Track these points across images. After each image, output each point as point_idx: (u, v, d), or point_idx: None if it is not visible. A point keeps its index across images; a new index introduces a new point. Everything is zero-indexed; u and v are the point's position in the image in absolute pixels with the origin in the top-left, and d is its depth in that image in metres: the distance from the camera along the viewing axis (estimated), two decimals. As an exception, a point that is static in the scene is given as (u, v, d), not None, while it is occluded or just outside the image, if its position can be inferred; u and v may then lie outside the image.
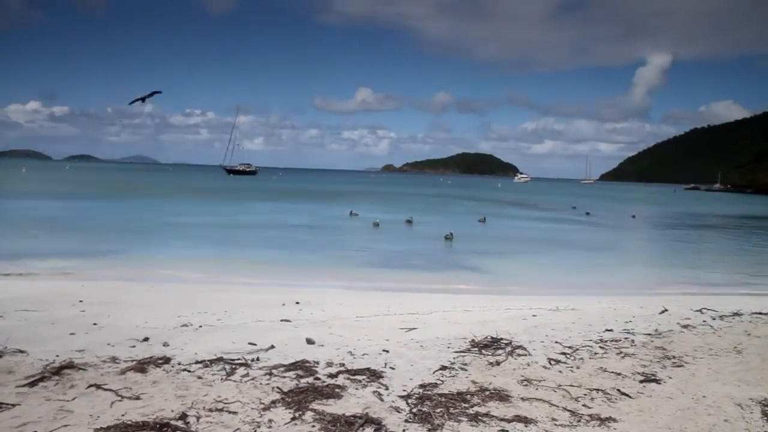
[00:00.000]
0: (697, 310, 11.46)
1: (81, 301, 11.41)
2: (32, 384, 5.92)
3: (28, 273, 16.37)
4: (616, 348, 8.23)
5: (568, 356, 7.70)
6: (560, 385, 6.40)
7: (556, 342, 8.51)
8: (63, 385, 5.92)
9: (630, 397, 6.13)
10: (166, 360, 6.96)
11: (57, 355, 7.02)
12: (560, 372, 6.97)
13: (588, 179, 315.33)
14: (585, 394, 6.15)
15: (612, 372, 6.98)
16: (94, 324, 9.26)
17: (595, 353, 7.90)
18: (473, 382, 6.44)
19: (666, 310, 11.45)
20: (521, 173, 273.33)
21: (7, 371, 6.33)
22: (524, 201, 79.13)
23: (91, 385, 5.92)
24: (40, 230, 27.89)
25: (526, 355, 7.70)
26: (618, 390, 6.30)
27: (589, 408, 5.77)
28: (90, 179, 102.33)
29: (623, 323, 10.14)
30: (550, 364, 7.31)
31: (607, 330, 9.50)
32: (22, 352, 7.17)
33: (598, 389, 6.31)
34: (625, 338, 8.90)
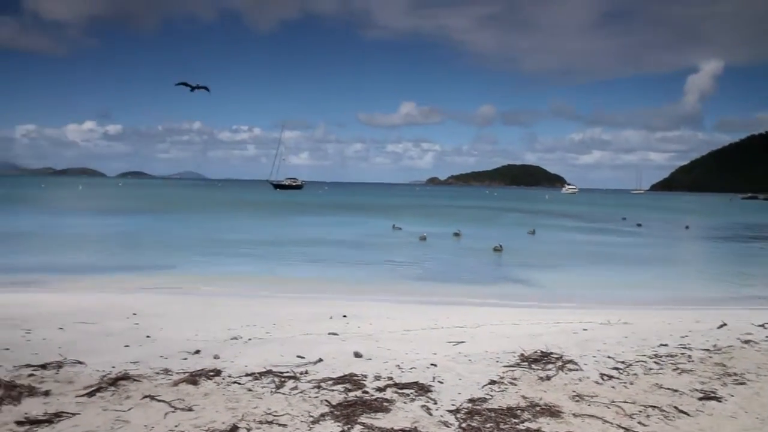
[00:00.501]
0: (760, 325, 11.01)
1: (134, 314, 11.73)
2: (90, 394, 6.10)
3: (85, 287, 16.94)
4: (672, 364, 7.96)
5: (621, 371, 7.49)
6: (614, 402, 6.23)
7: (609, 357, 8.30)
8: (119, 396, 6.09)
9: (689, 415, 5.91)
10: (217, 372, 7.08)
11: (113, 367, 7.23)
12: (613, 388, 6.78)
13: (638, 189, 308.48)
14: (640, 411, 5.96)
15: (668, 389, 6.76)
16: (147, 336, 9.51)
17: (650, 369, 7.66)
18: (523, 397, 6.33)
19: (725, 324, 11.04)
20: (569, 184, 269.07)
21: (68, 381, 6.55)
22: (573, 212, 77.77)
23: (145, 396, 6.07)
24: (95, 245, 28.87)
25: (577, 370, 7.53)
26: (675, 407, 6.09)
27: (645, 426, 5.60)
28: (142, 195, 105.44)
29: (679, 338, 9.81)
30: (603, 379, 7.12)
31: (662, 345, 9.21)
32: (80, 363, 7.42)
33: (654, 406, 6.11)
34: (682, 353, 8.60)
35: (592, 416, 5.80)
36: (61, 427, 5.23)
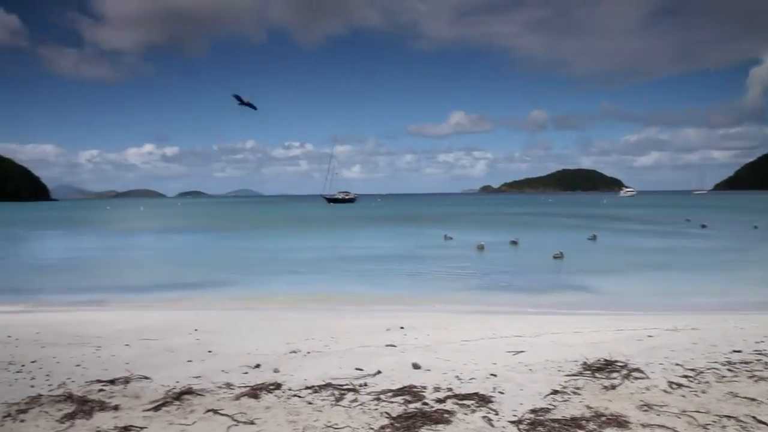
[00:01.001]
0: (839, 328, 10.41)
1: (196, 330, 12.00)
2: (156, 408, 6.26)
3: (148, 305, 17.51)
4: (747, 371, 7.58)
5: (692, 380, 7.18)
6: (684, 411, 5.98)
7: (677, 364, 7.98)
8: (183, 410, 6.22)
9: None
10: (278, 386, 7.15)
11: (177, 381, 7.41)
12: (683, 396, 6.51)
13: (701, 190, 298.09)
14: (714, 422, 5.70)
15: (744, 397, 6.43)
16: (209, 351, 9.70)
17: (723, 376, 7.32)
18: (587, 407, 6.15)
19: (801, 328, 10.48)
20: (627, 187, 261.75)
21: (135, 396, 6.75)
22: (633, 216, 75.59)
23: (208, 410, 6.18)
24: (157, 264, 29.79)
25: (643, 378, 7.27)
26: (754, 417, 5.79)
27: (719, 436, 5.35)
28: (201, 214, 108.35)
29: (753, 344, 9.36)
30: (672, 387, 6.85)
31: (735, 351, 8.80)
32: (146, 378, 7.63)
33: (729, 416, 5.83)
34: (758, 360, 8.18)
35: (662, 426, 5.57)
36: (131, 441, 5.39)
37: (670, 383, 7.00)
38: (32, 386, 7.27)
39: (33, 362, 8.69)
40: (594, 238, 38.67)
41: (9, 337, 10.89)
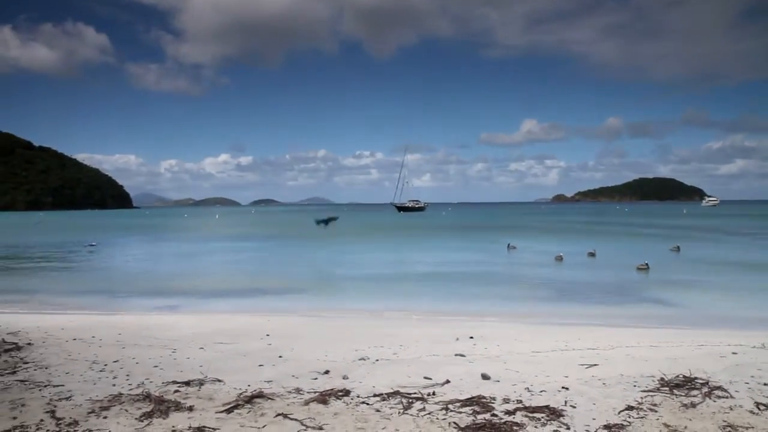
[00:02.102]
0: None
1: (268, 335, 12.27)
2: (229, 411, 6.44)
3: (222, 310, 18.05)
4: (841, 392, 7.07)
5: (781, 400, 6.75)
6: (772, 433, 5.63)
7: (765, 384, 7.52)
8: (254, 413, 6.37)
9: None
10: (346, 392, 7.21)
11: (248, 385, 7.59)
12: (771, 418, 6.13)
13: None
14: (805, 445, 5.34)
15: (838, 420, 6.00)
16: (280, 356, 9.90)
17: (815, 398, 6.85)
18: (665, 425, 5.89)
19: None
20: (710, 196, 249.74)
21: (208, 398, 6.96)
22: (717, 227, 72.06)
23: (278, 414, 6.30)
24: (231, 270, 30.70)
25: (727, 397, 6.89)
26: None
27: (812, 461, 5.00)
28: (273, 221, 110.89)
29: None
30: (759, 409, 6.46)
31: (828, 371, 8.22)
32: (219, 381, 7.87)
33: (821, 439, 5.45)
34: None
35: (747, 448, 5.27)
36: (204, 441, 5.55)
37: (757, 404, 6.61)
38: (114, 385, 7.63)
39: (115, 362, 9.13)
40: (677, 249, 36.85)
41: (93, 337, 11.48)
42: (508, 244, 40.61)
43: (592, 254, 34.48)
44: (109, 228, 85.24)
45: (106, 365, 8.88)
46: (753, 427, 5.85)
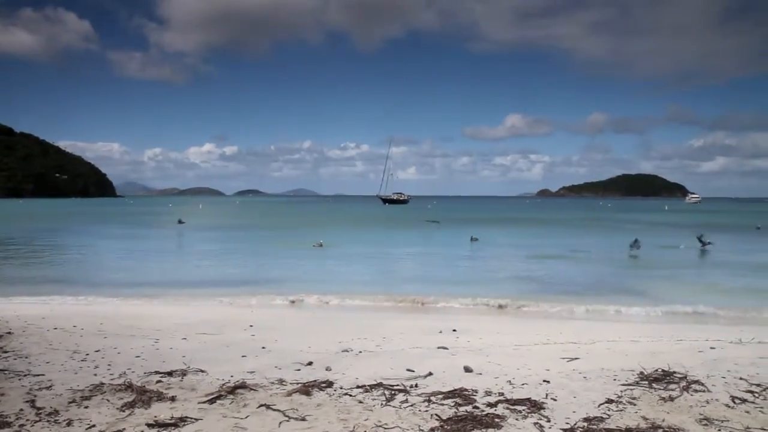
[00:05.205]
0: None
1: (251, 326, 12.26)
2: (211, 401, 6.43)
3: (206, 300, 17.98)
4: (816, 387, 7.21)
5: (757, 395, 6.87)
6: (748, 428, 5.73)
7: (741, 378, 7.65)
8: (237, 404, 6.37)
9: (836, 444, 5.33)
10: (329, 384, 7.23)
11: (231, 376, 7.59)
12: (747, 413, 6.24)
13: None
14: (779, 438, 5.45)
15: (812, 414, 6.13)
16: (263, 348, 9.90)
17: (790, 392, 6.98)
18: (643, 418, 5.98)
19: None
20: (692, 193, 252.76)
21: (191, 388, 6.95)
22: (697, 222, 72.85)
23: (261, 405, 6.31)
24: (215, 261, 30.55)
25: (704, 391, 7.01)
26: (821, 435, 5.51)
27: (785, 454, 5.11)
28: (258, 212, 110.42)
29: (824, 359, 8.89)
30: (734, 402, 6.57)
31: (803, 366, 8.38)
32: (202, 371, 7.85)
33: (795, 433, 5.56)
34: (827, 376, 7.78)
35: (723, 441, 5.37)
36: (186, 431, 5.54)
37: (733, 398, 6.72)
38: (95, 374, 7.59)
39: (96, 352, 9.07)
40: (636, 244, 35.29)
41: (74, 327, 11.40)
42: (471, 237, 41.04)
43: (574, 253, 34.49)
44: (93, 217, 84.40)
45: (87, 355, 8.82)
46: (728, 420, 5.95)
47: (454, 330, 12.19)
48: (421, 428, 5.65)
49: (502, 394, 6.82)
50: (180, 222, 60.69)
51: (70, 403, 6.27)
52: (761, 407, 6.41)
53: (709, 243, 35.33)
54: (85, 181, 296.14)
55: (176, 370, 7.81)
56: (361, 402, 6.51)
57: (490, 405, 6.36)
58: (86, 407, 6.14)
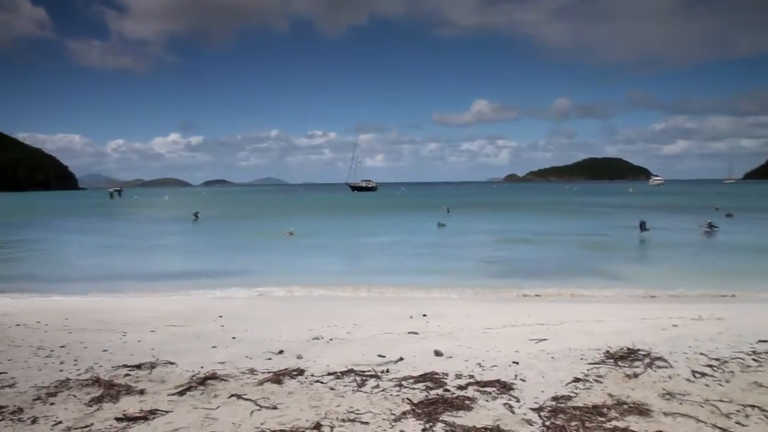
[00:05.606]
0: None
1: (221, 317, 12.17)
2: (181, 393, 6.38)
3: (174, 292, 17.77)
4: (772, 360, 7.47)
5: (716, 369, 7.10)
6: (708, 400, 5.92)
7: (701, 354, 7.88)
8: (208, 395, 6.33)
9: (792, 414, 5.54)
10: (300, 372, 7.23)
11: (201, 367, 7.53)
12: (707, 386, 6.44)
13: (730, 179, 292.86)
14: (738, 411, 5.63)
15: (769, 386, 6.35)
16: (233, 338, 9.84)
17: (748, 366, 7.22)
18: (609, 395, 6.12)
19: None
20: (655, 176, 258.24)
21: (160, 381, 6.88)
22: (660, 204, 74.47)
23: (232, 395, 6.28)
24: (183, 252, 30.17)
25: (666, 367, 7.20)
26: (777, 406, 5.72)
27: (744, 426, 5.29)
28: (226, 202, 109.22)
29: (780, 333, 9.21)
30: (695, 377, 6.78)
31: (761, 341, 8.65)
32: (171, 363, 7.77)
33: (753, 405, 5.76)
34: (784, 350, 8.06)
35: (685, 415, 5.53)
36: (156, 424, 5.48)
37: (694, 372, 6.93)
38: (61, 370, 7.45)
39: (62, 347, 8.90)
40: (644, 226, 35.65)
41: (38, 322, 11.16)
42: (438, 223, 41.46)
43: (530, 241, 35.01)
44: (54, 210, 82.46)
45: (52, 351, 8.65)
46: (689, 394, 6.13)
47: (425, 315, 12.28)
48: (392, 413, 5.70)
49: (472, 376, 6.90)
50: (196, 216, 56.30)
51: (34, 400, 6.15)
52: (719, 380, 6.62)
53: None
54: (46, 174, 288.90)
55: (145, 363, 7.71)
56: (332, 389, 6.53)
57: (460, 387, 6.44)
58: (52, 404, 6.03)
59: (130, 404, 6.00)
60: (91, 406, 5.95)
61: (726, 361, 7.43)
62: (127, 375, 7.14)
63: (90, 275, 21.84)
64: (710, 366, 7.22)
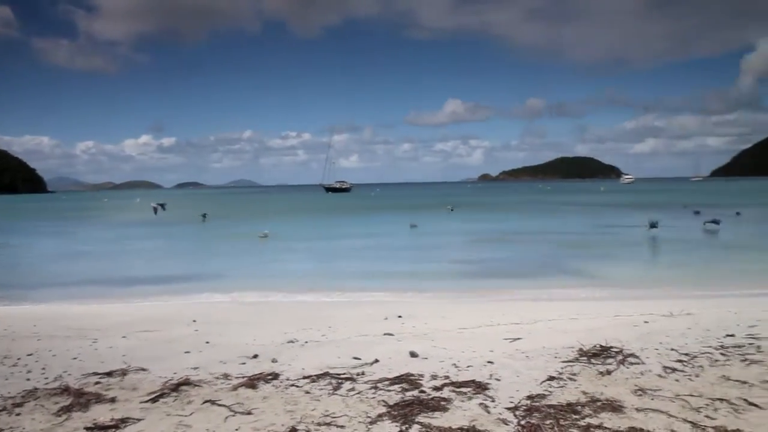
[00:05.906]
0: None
1: (194, 321, 12.01)
2: (154, 400, 6.28)
3: (146, 297, 17.51)
4: (739, 355, 7.63)
5: (686, 364, 7.23)
6: (678, 395, 6.02)
7: (672, 349, 8.02)
8: (181, 401, 6.24)
9: (759, 407, 5.65)
10: (275, 376, 7.18)
11: (174, 373, 7.42)
12: (677, 381, 6.55)
13: (697, 176, 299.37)
14: (707, 405, 5.74)
15: (737, 380, 6.48)
16: (207, 342, 9.71)
17: (716, 360, 7.37)
18: (583, 392, 6.18)
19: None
20: (626, 174, 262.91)
21: (132, 388, 6.76)
22: (630, 202, 75.63)
23: (206, 401, 6.20)
24: (154, 256, 29.76)
25: (638, 363, 7.31)
26: (745, 400, 5.84)
27: (713, 419, 5.38)
28: (200, 205, 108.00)
29: (746, 328, 9.41)
30: (666, 372, 6.89)
31: (728, 335, 8.85)
32: (143, 369, 7.65)
33: (721, 399, 5.87)
34: (750, 344, 8.24)
35: (656, 410, 5.61)
36: (127, 432, 5.40)
37: (665, 368, 7.04)
38: (28, 380, 7.28)
39: (29, 355, 8.69)
40: (655, 225, 35.84)
41: (5, 330, 10.91)
42: (410, 224, 41.70)
43: (509, 239, 35.36)
44: (21, 214, 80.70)
45: (19, 359, 8.45)
46: (660, 389, 6.23)
47: (400, 316, 12.27)
48: (368, 415, 5.68)
49: (447, 377, 6.92)
50: (204, 217, 56.33)
51: (0, 411, 6.00)
52: (690, 375, 6.74)
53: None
54: (12, 177, 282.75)
55: (116, 370, 7.58)
56: (308, 392, 6.49)
57: (436, 389, 6.45)
58: (18, 414, 5.89)
59: (100, 413, 5.88)
60: (59, 415, 5.82)
61: (695, 356, 7.57)
62: (98, 383, 7.01)
63: (58, 282, 21.41)
64: (680, 361, 7.35)
